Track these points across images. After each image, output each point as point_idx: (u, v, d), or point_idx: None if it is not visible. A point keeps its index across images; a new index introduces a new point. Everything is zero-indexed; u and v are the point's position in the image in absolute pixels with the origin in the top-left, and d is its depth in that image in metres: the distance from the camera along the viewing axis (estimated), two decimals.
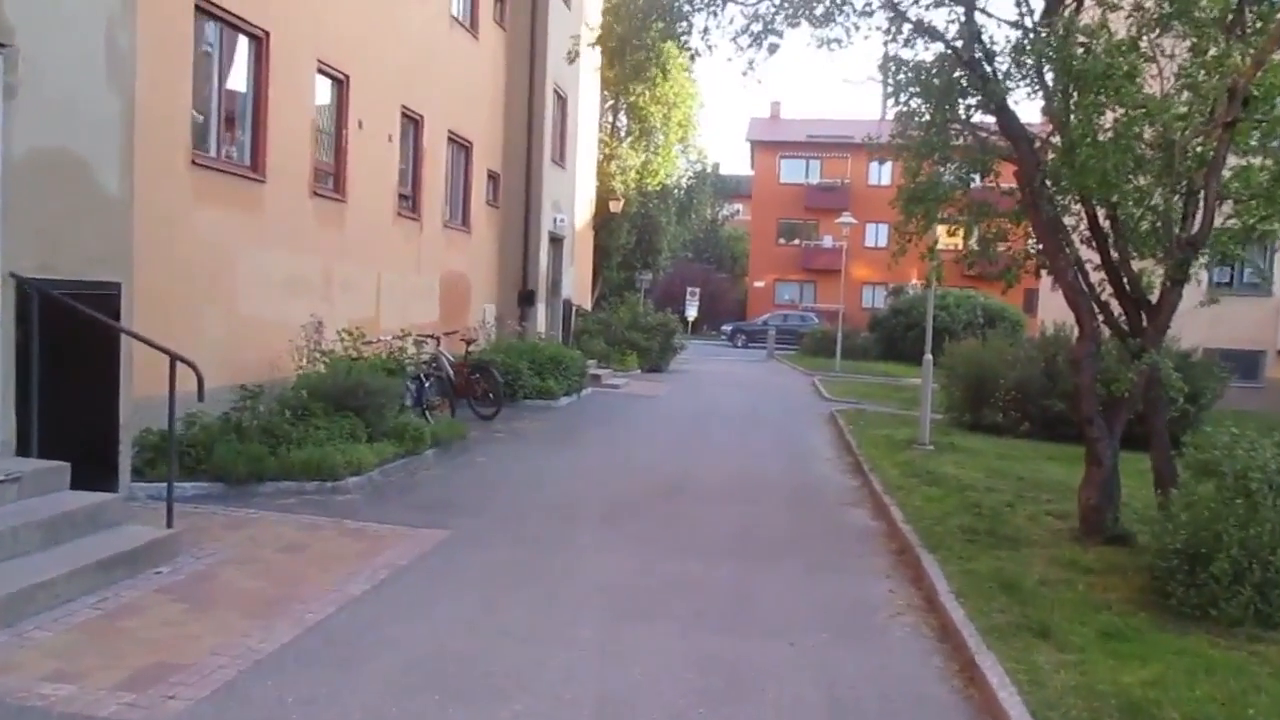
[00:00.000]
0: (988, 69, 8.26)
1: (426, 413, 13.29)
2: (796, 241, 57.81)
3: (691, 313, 53.70)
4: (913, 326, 36.16)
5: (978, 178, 8.86)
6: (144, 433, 8.79)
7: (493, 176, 20.63)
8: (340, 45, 13.32)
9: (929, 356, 14.44)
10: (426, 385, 13.36)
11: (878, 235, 56.20)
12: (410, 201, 16.43)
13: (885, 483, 10.79)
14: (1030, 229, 8.93)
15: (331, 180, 13.63)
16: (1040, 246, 8.61)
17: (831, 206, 54.98)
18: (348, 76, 13.64)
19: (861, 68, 40.37)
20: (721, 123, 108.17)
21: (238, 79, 11.36)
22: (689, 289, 54.02)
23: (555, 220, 22.56)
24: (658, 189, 36.65)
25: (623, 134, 35.99)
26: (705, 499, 9.94)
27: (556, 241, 23.35)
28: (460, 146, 18.73)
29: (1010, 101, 8.36)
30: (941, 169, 8.67)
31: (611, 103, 36.09)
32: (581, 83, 27.18)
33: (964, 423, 16.90)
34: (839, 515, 9.59)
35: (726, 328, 50.50)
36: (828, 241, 56.79)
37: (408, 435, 10.56)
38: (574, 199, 24.77)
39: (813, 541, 8.47)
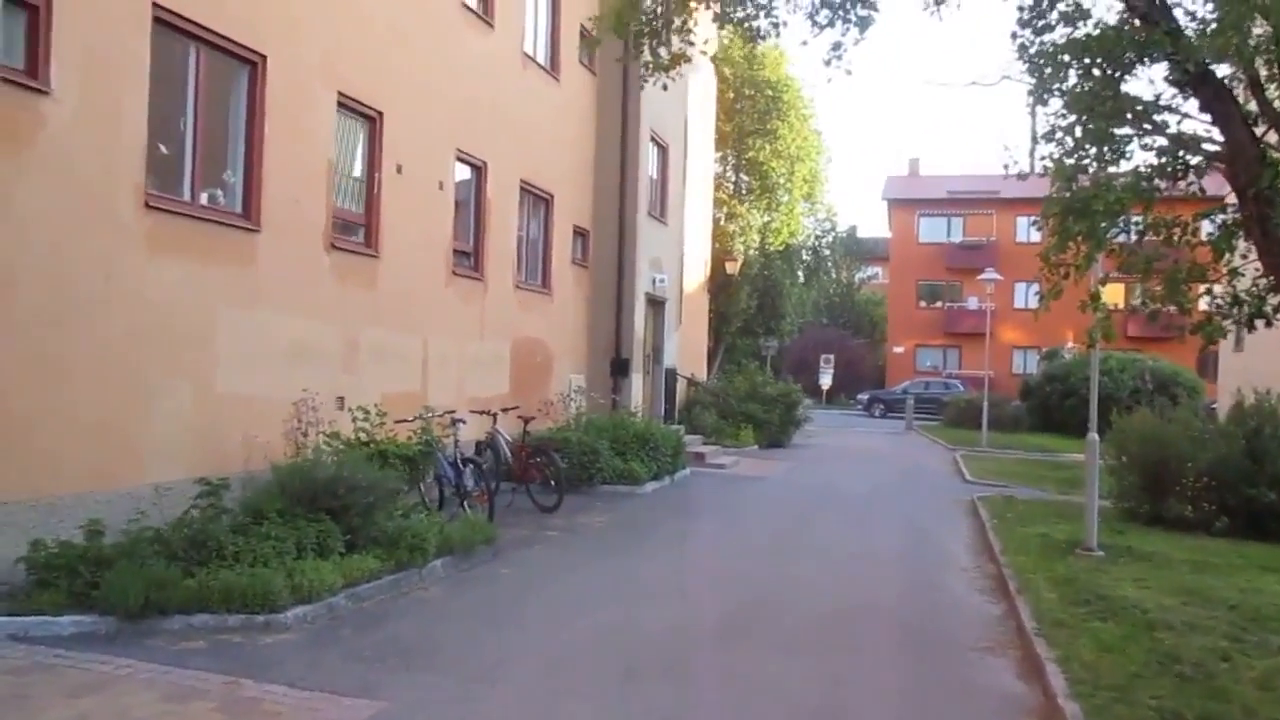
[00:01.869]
0: (1178, 21, 5.53)
1: (466, 505, 11.04)
2: (938, 304, 54.04)
3: (825, 381, 50.58)
4: (1070, 394, 32.38)
5: (1165, 183, 6.04)
6: (34, 546, 6.76)
7: (580, 233, 18.57)
8: (369, 76, 11.49)
9: (1094, 436, 11.35)
10: (464, 471, 11.10)
11: (1027, 295, 51.92)
12: (471, 259, 14.43)
13: (1039, 613, 7.85)
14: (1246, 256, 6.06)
15: (362, 232, 11.71)
16: (1272, 279, 5.72)
17: (975, 266, 51.05)
18: (380, 114, 11.77)
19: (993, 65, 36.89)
20: (857, 184, 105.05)
21: (220, 110, 9.54)
22: (823, 356, 50.99)
23: (654, 281, 20.31)
24: (781, 249, 34.13)
25: (742, 191, 33.71)
26: (780, 644, 7.21)
27: (656, 304, 21.06)
28: (538, 199, 16.74)
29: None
30: (1113, 168, 5.91)
31: (731, 159, 34.00)
32: (692, 135, 25.13)
33: (1140, 515, 13.57)
34: (971, 674, 6.71)
35: (862, 396, 47.06)
36: (972, 303, 52.83)
37: (404, 543, 8.26)
38: (680, 259, 22.51)
39: None
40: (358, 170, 11.70)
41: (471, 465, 11.07)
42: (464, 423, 11.40)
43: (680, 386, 23.65)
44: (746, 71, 32.08)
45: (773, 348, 38.92)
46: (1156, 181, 5.87)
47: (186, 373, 8.77)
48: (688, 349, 25.71)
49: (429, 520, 9.13)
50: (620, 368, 18.95)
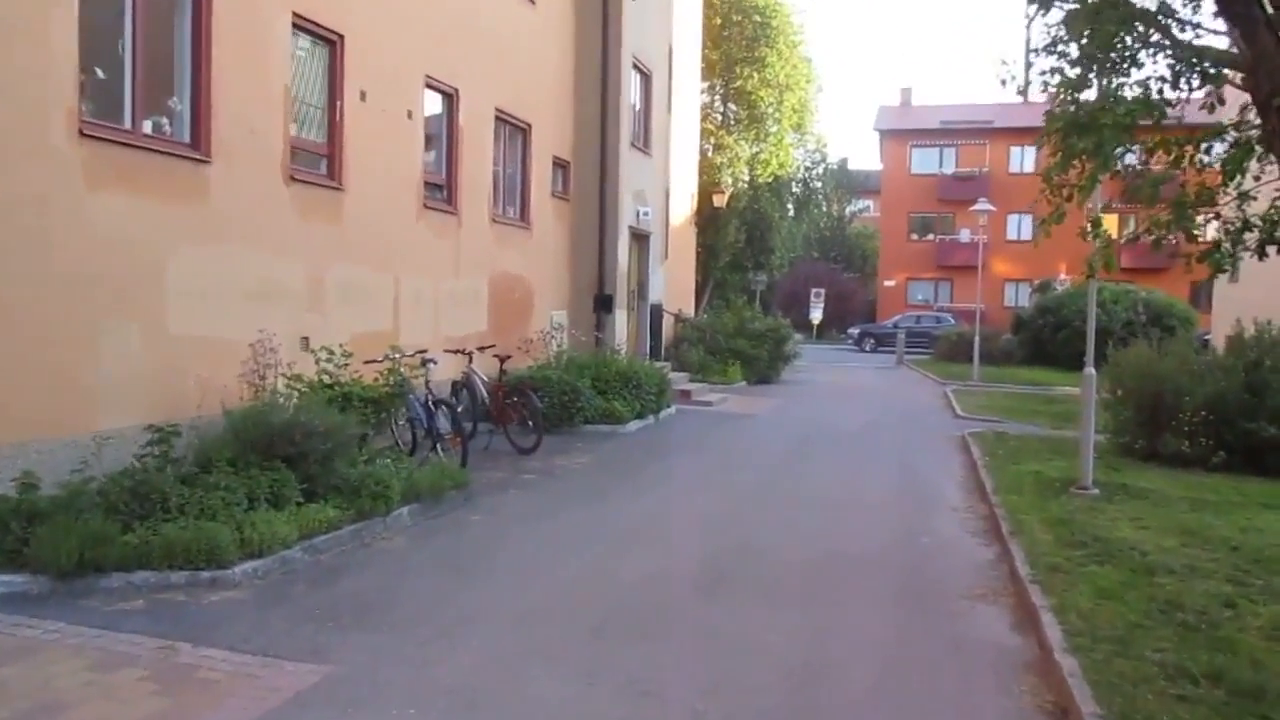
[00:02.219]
0: None
1: (439, 449, 10.62)
2: (930, 237, 53.40)
3: (816, 315, 50.15)
4: (1062, 327, 32.02)
5: (1179, 95, 5.49)
6: None
7: (560, 165, 17.93)
8: None
9: (1091, 370, 10.91)
10: (436, 413, 10.65)
11: (1020, 227, 51.38)
12: (444, 192, 13.84)
13: (1033, 557, 7.49)
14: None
15: (325, 164, 11.11)
16: None
17: (968, 197, 50.05)
18: (341, 37, 11.10)
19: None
20: (848, 116, 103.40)
21: (162, 31, 8.90)
22: (814, 290, 50.49)
23: (638, 214, 19.71)
24: (770, 181, 33.40)
25: (730, 122, 32.86)
26: (764, 593, 6.84)
27: (641, 238, 20.49)
28: (515, 128, 16.07)
29: None
30: (1122, 78, 5.36)
31: (718, 89, 33.08)
32: (677, 63, 24.31)
33: (1136, 451, 13.24)
34: (963, 625, 6.34)
35: (853, 331, 46.65)
36: (964, 235, 52.19)
37: (366, 491, 7.84)
38: (664, 191, 21.87)
39: (918, 690, 5.32)
40: (319, 98, 11.06)
41: (444, 407, 10.62)
42: (435, 363, 10.93)
43: (667, 323, 23.19)
44: None
45: (762, 282, 38.32)
46: (1169, 93, 5.32)
47: (135, 313, 8.26)
48: (675, 285, 25.19)
49: (396, 465, 8.72)
50: (604, 304, 18.45)
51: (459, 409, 12.64)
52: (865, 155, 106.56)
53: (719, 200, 28.85)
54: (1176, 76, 5.21)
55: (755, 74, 31.52)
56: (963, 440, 14.92)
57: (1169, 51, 5.15)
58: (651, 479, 11.03)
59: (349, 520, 7.58)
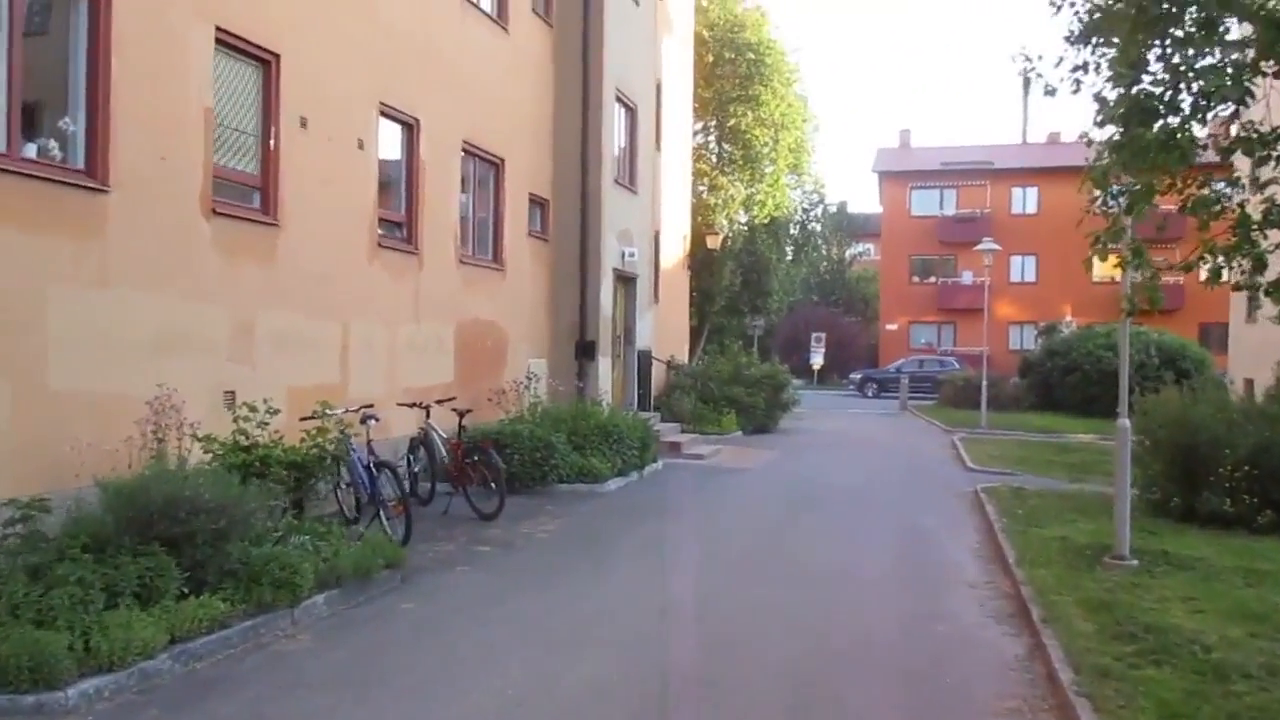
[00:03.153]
0: None
1: (383, 518, 9.31)
2: (932, 279, 52.25)
3: (817, 361, 48.91)
4: (1072, 370, 30.72)
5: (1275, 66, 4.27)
6: None
7: (538, 202, 16.78)
8: (259, 11, 9.69)
9: (1125, 422, 9.60)
10: (380, 477, 9.35)
11: (1024, 269, 50.44)
12: (403, 231, 12.67)
13: (1073, 654, 6.14)
14: None
15: (257, 196, 9.92)
16: None
17: (969, 239, 49.11)
18: (277, 56, 9.97)
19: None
20: (846, 159, 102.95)
21: (51, 42, 7.75)
22: (814, 335, 49.30)
23: (623, 255, 18.54)
24: (766, 223, 32.34)
25: (724, 162, 31.84)
26: (734, 716, 5.48)
27: (627, 281, 19.31)
28: (486, 163, 14.95)
29: None
30: (1189, 51, 4.13)
31: (712, 129, 32.14)
32: (668, 99, 23.33)
33: (1170, 510, 11.86)
34: None
35: (855, 376, 45.36)
36: (967, 278, 51.11)
37: (267, 578, 6.52)
38: (652, 231, 20.72)
39: None
40: (252, 124, 9.90)
41: (387, 471, 9.31)
42: (376, 419, 9.64)
43: (658, 371, 21.94)
44: (726, 34, 30.20)
45: (760, 327, 37.19)
46: (1264, 64, 4.10)
47: (4, 365, 7.01)
48: (667, 330, 23.99)
49: (318, 542, 7.40)
50: (586, 351, 17.21)
51: (416, 469, 11.40)
52: (864, 198, 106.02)
53: (713, 242, 27.75)
54: (1273, 41, 3.96)
55: (749, 112, 30.55)
56: (975, 497, 13.58)
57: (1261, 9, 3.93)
58: (624, 551, 9.69)
59: (242, 615, 6.27)
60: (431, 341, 13.12)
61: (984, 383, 26.73)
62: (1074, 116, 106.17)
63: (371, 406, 9.95)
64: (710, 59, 29.99)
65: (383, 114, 11.94)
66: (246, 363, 9.49)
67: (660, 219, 23.06)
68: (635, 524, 11.08)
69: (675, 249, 25.12)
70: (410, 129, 12.65)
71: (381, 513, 9.29)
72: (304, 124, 10.38)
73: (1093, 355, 30.73)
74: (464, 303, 14.06)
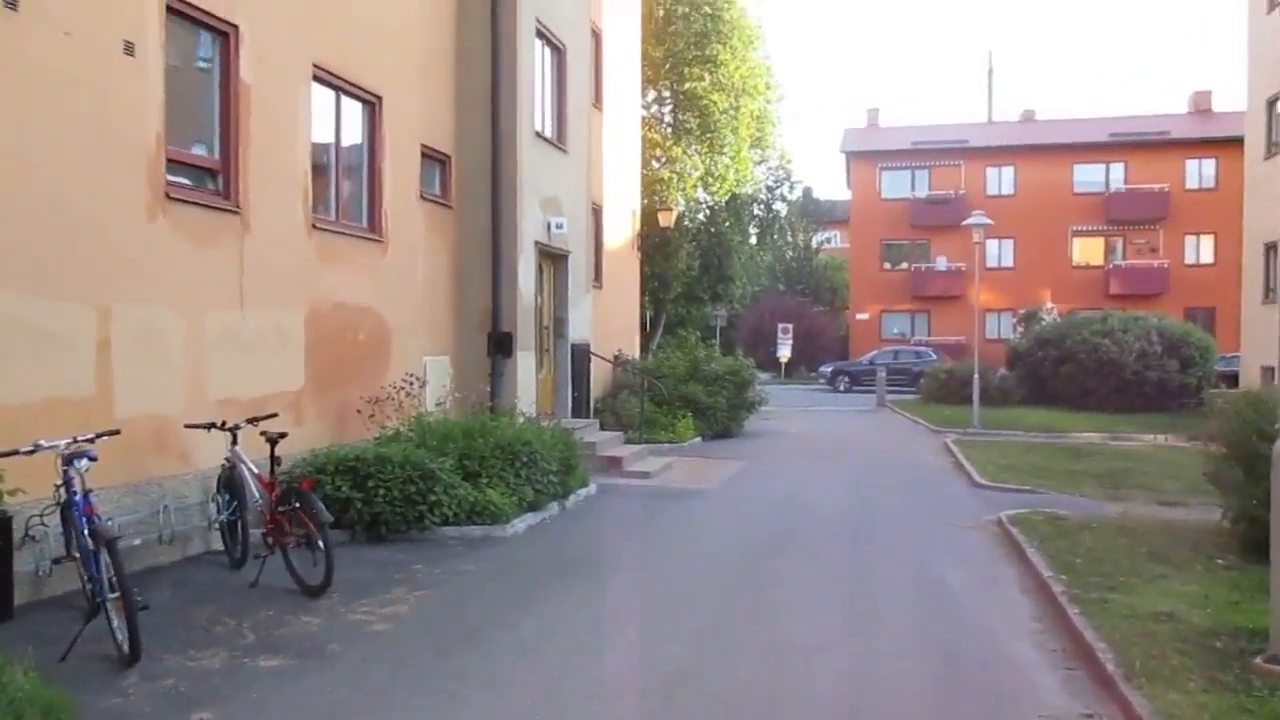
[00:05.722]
0: None
1: (109, 615, 5.75)
2: (904, 266, 49.11)
3: (784, 353, 45.69)
4: (1065, 360, 27.75)
5: None
6: None
7: (435, 158, 13.24)
8: None
9: None
10: (99, 556, 5.77)
11: (1001, 253, 47.40)
12: (217, 179, 9.08)
13: None
14: None
15: None
16: None
17: (943, 222, 46.47)
18: None
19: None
20: (812, 143, 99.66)
21: None
22: (781, 326, 46.03)
23: (550, 227, 15.02)
24: (727, 200, 28.94)
25: (679, 132, 28.36)
26: None
27: (555, 259, 15.80)
28: (355, 100, 11.39)
29: None
30: None
31: (665, 95, 28.69)
32: (611, 51, 19.89)
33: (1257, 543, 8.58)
34: None
35: (826, 369, 42.15)
36: (941, 263, 48.15)
37: None
38: (586, 200, 17.21)
39: None
40: None
41: (106, 547, 5.71)
42: (91, 459, 6.04)
43: (601, 369, 18.49)
44: None
45: (722, 317, 33.92)
46: None
47: None
48: (614, 321, 20.53)
49: None
50: (501, 345, 13.68)
51: (222, 518, 7.90)
52: (831, 185, 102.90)
53: (666, 219, 24.26)
54: None
55: (706, 75, 27.11)
56: (1003, 531, 10.25)
57: None
58: (499, 657, 6.14)
59: None
60: (266, 334, 9.56)
61: (976, 376, 23.46)
62: (1043, 94, 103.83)
63: (90, 436, 6.33)
64: (661, 13, 26.55)
65: (171, 9, 8.34)
66: None
67: (603, 190, 19.59)
68: (533, 596, 7.56)
69: (623, 227, 21.65)
70: (225, 38, 9.06)
71: (103, 609, 5.74)
72: (13, 4, 6.79)
73: (1088, 344, 27.73)
74: (321, 282, 10.50)
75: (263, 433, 7.83)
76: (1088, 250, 48.04)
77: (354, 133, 11.52)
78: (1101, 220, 47.27)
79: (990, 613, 7.29)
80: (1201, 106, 49.21)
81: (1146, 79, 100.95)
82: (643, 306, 25.17)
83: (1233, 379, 28.54)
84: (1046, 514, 10.94)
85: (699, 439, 18.76)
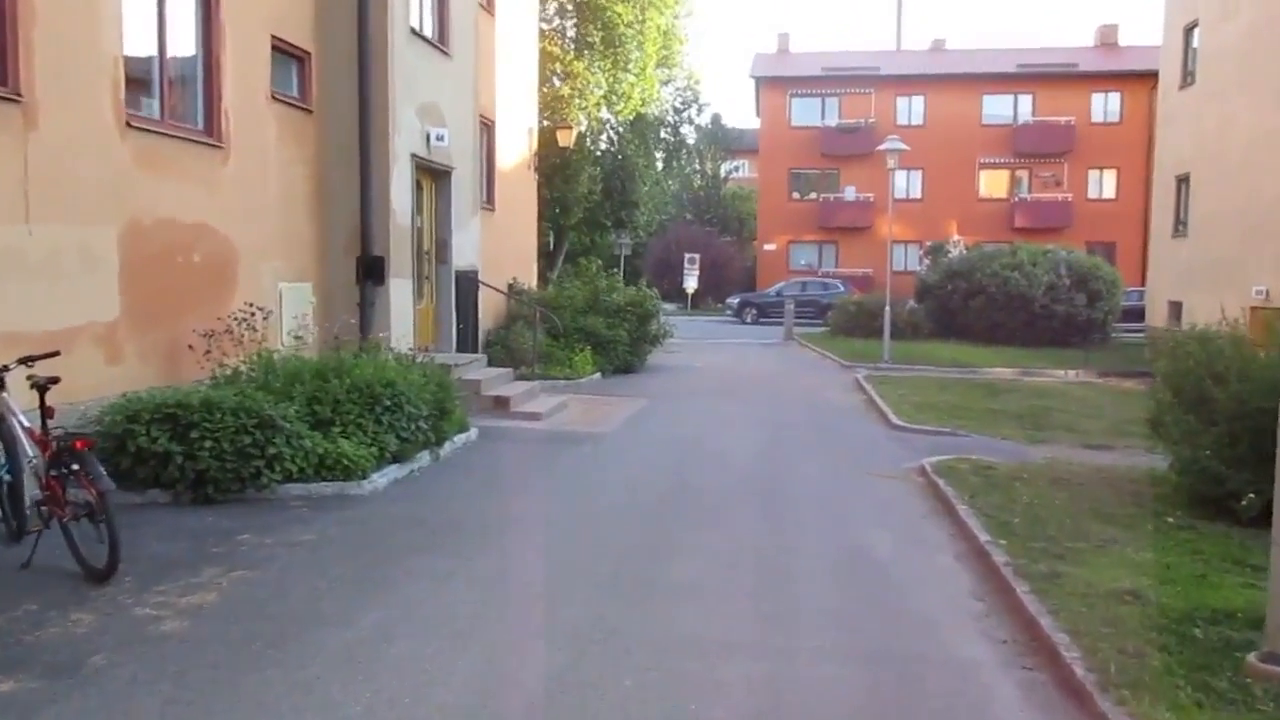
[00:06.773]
0: None
1: None
2: (813, 196, 48.13)
3: (691, 284, 44.56)
4: (975, 294, 27.22)
5: None
6: None
7: (291, 53, 11.44)
8: None
9: None
10: None
11: (909, 184, 46.74)
12: None
13: None
14: None
15: None
16: None
17: (854, 152, 45.64)
18: None
19: None
20: (721, 69, 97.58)
21: None
22: (687, 256, 44.79)
23: (429, 138, 13.34)
24: (632, 120, 27.35)
25: (581, 46, 26.56)
26: None
27: (436, 175, 14.15)
28: None
29: None
30: None
31: (568, 7, 26.78)
32: None
33: (1225, 503, 7.71)
34: None
35: (732, 301, 41.18)
36: (850, 194, 47.31)
37: None
38: (473, 111, 15.51)
39: None
40: None
41: None
42: None
43: (492, 299, 16.98)
44: None
45: (627, 245, 32.50)
46: None
47: None
48: (509, 247, 18.99)
49: None
50: (371, 270, 12.09)
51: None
52: (740, 114, 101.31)
53: (565, 139, 22.59)
54: None
55: None
56: (928, 483, 9.24)
57: None
58: (319, 666, 4.76)
59: None
60: (64, 255, 7.84)
61: (888, 309, 22.62)
62: (954, 23, 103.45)
63: None
64: None
65: None
66: None
67: (494, 103, 17.87)
68: (378, 576, 6.18)
69: (519, 145, 19.97)
70: None
71: None
72: None
73: (998, 277, 27.24)
74: (141, 193, 8.76)
75: (29, 377, 6.21)
76: (994, 183, 47.70)
77: (185, 14, 9.68)
78: (1008, 153, 46.88)
79: (924, 591, 6.18)
80: (1108, 40, 48.97)
81: (1055, 9, 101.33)
82: (541, 233, 23.63)
83: (1138, 314, 28.45)
84: (973, 462, 9.97)
85: (598, 375, 17.48)
